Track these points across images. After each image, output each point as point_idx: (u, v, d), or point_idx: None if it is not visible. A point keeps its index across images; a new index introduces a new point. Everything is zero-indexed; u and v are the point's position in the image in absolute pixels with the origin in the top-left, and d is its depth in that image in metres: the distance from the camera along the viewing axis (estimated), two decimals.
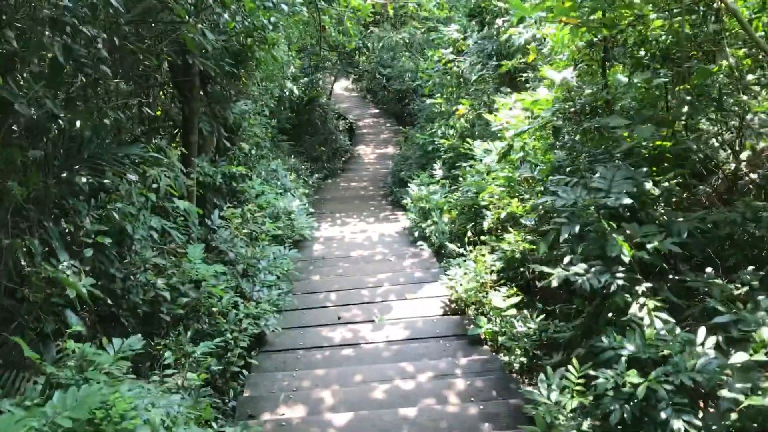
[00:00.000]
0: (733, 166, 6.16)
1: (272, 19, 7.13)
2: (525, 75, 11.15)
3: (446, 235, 10.14)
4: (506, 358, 6.36)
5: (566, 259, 4.94)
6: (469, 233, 8.78)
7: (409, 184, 12.35)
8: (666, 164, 6.08)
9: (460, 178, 10.26)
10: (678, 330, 4.49)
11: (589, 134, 6.48)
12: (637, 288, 4.72)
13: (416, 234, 10.81)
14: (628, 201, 4.79)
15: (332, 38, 9.49)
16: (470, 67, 11.31)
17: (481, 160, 9.26)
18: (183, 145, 8.03)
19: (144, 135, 8.60)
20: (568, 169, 6.26)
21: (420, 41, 18.58)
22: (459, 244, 10.10)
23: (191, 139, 7.95)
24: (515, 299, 6.77)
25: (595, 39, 6.73)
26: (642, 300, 4.68)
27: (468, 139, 9.84)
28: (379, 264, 9.78)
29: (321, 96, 20.30)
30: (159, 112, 9.14)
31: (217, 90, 8.48)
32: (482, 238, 8.39)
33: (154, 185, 6.60)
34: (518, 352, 6.23)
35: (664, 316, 4.61)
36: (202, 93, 8.71)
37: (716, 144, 6.39)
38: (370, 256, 10.23)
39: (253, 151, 9.59)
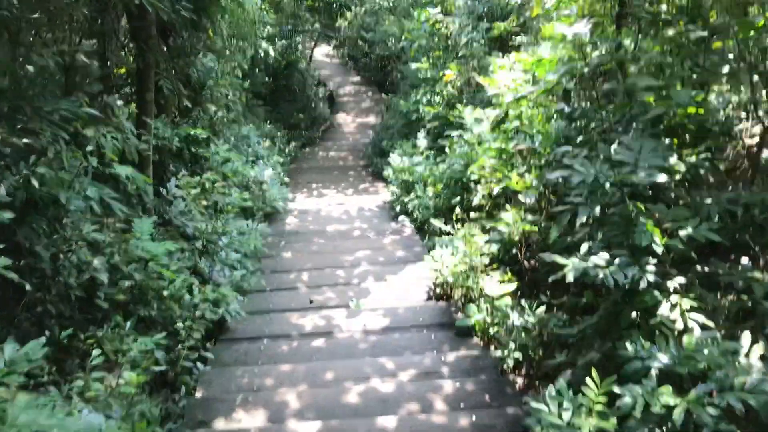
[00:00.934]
0: (755, 139, 5.27)
1: None
2: (518, 39, 10.17)
3: (430, 211, 9.22)
4: (499, 353, 5.46)
5: (584, 247, 4.01)
6: (457, 209, 7.83)
7: (390, 155, 11.36)
8: (687, 136, 5.18)
9: (447, 149, 9.30)
10: (718, 336, 3.62)
11: (603, 99, 5.53)
12: (668, 284, 3.82)
13: (398, 208, 9.87)
14: (662, 178, 3.87)
15: None
16: (460, 28, 10.27)
17: (470, 130, 8.29)
18: (137, 104, 6.97)
19: (102, 92, 7.54)
20: (578, 140, 5.32)
21: (405, 4, 17.44)
22: (444, 221, 9.20)
23: (147, 96, 6.87)
24: (510, 286, 5.86)
25: None
26: (674, 299, 3.79)
27: (458, 106, 8.84)
28: (358, 241, 8.83)
29: (300, 61, 19.11)
30: (123, 69, 8.06)
31: (178, 43, 7.38)
32: (472, 215, 7.46)
33: (102, 149, 5.61)
34: (512, 346, 5.33)
35: (701, 318, 3.73)
36: (164, 47, 7.63)
37: (743, 114, 5.51)
38: (348, 232, 9.28)
39: (220, 113, 8.51)
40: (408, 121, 12.80)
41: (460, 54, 10.43)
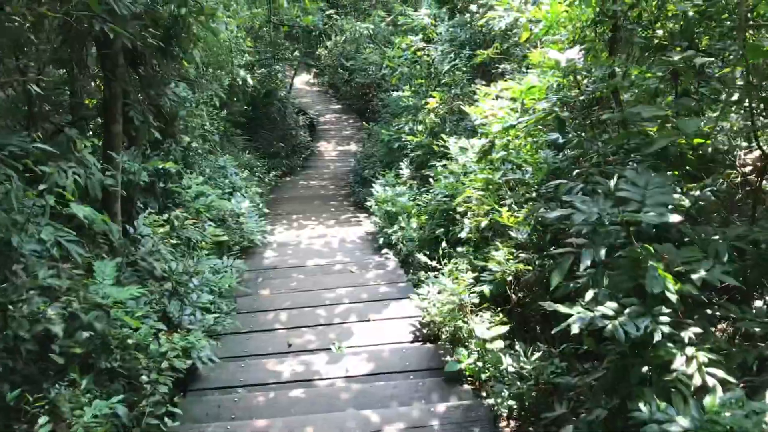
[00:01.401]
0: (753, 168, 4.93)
1: None
2: (501, 67, 9.87)
3: (415, 243, 8.80)
4: (491, 401, 5.01)
5: (588, 294, 3.60)
6: (443, 243, 7.41)
7: (373, 184, 10.96)
8: (688, 167, 4.84)
9: (431, 179, 8.91)
10: (741, 394, 3.21)
11: (597, 128, 5.17)
12: (682, 334, 3.41)
13: (381, 240, 9.44)
14: (676, 218, 3.48)
15: (284, 10, 8.02)
16: (442, 55, 9.96)
17: (456, 160, 7.92)
18: (104, 136, 6.52)
19: (71, 124, 7.09)
20: (575, 173, 4.94)
21: (385, 33, 17.18)
22: (429, 254, 8.79)
23: (113, 128, 6.42)
24: (503, 328, 5.44)
25: (598, 14, 5.43)
26: (690, 351, 3.38)
27: (443, 135, 8.48)
28: (339, 276, 8.37)
29: (280, 89, 18.74)
30: (93, 100, 7.64)
31: (149, 72, 6.95)
32: (458, 249, 7.04)
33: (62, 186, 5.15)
34: (506, 394, 4.89)
35: (720, 373, 3.32)
36: (135, 76, 7.19)
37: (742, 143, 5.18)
38: (329, 266, 8.82)
39: (194, 144, 8.07)
40: (390, 150, 12.45)
41: (442, 82, 10.11)
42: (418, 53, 10.04)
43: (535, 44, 7.51)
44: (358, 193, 13.36)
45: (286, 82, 21.88)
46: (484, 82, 10.09)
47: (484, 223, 6.60)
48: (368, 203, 10.72)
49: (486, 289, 5.59)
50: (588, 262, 3.56)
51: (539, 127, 6.15)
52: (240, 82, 12.87)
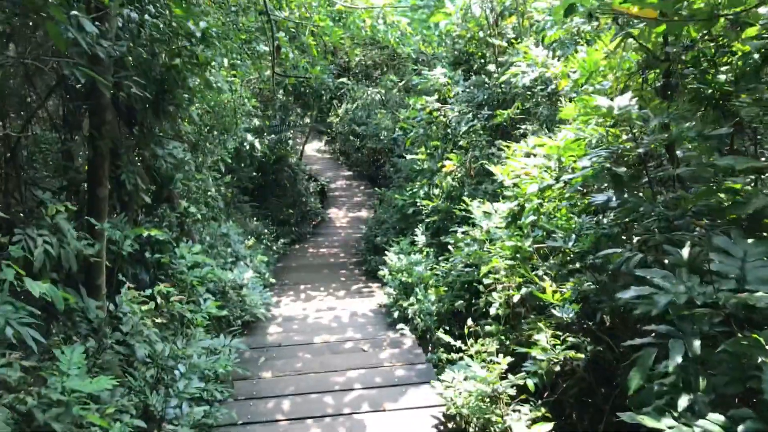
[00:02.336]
0: None
1: (202, 24, 4.99)
2: (523, 127, 9.17)
3: (433, 317, 7.87)
4: None
5: (682, 402, 2.67)
6: (469, 321, 6.48)
7: (386, 252, 10.09)
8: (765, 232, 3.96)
9: (451, 247, 8.05)
10: None
11: (656, 187, 4.32)
12: None
13: (395, 314, 8.50)
14: None
15: (290, 62, 7.39)
16: (459, 116, 9.26)
17: (479, 225, 7.08)
18: (88, 201, 5.75)
19: (63, 189, 6.36)
20: (635, 239, 4.07)
21: (396, 98, 16.69)
22: (449, 327, 7.86)
23: (99, 192, 5.66)
24: (545, 427, 4.46)
25: (647, 58, 4.68)
26: None
27: (464, 199, 7.66)
28: (350, 356, 7.41)
29: (290, 155, 18.18)
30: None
31: (143, 131, 6.24)
32: (487, 327, 6.12)
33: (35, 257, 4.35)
34: None
35: None
36: (129, 136, 6.49)
37: None
38: (339, 344, 7.86)
39: (193, 209, 7.28)
40: (404, 216, 11.64)
41: (459, 144, 9.38)
42: (434, 114, 9.35)
43: (569, 98, 6.80)
44: (369, 261, 12.49)
45: (297, 149, 21.41)
46: (505, 144, 9.37)
47: (516, 297, 5.71)
48: (381, 272, 9.84)
49: (530, 382, 4.62)
50: (679, 359, 2.65)
51: (578, 188, 5.33)
52: (247, 147, 12.26)
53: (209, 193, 9.88)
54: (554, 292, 4.66)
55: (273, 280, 11.25)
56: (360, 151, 23.19)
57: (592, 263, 4.71)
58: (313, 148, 26.82)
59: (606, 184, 4.41)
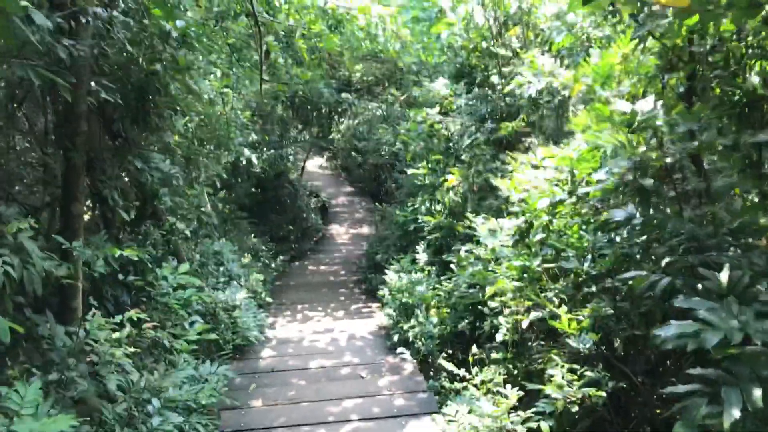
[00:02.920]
0: None
1: (179, 23, 4.53)
2: (528, 140, 8.71)
3: (435, 341, 7.36)
4: None
5: None
6: (474, 348, 5.95)
7: (386, 271, 9.58)
8: None
9: (453, 266, 7.54)
10: None
11: (683, 202, 3.82)
12: None
13: (395, 337, 7.98)
14: None
15: (281, 67, 6.92)
16: (462, 129, 8.79)
17: (484, 244, 6.57)
18: (61, 218, 5.27)
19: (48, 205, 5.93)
20: (664, 261, 3.56)
21: (398, 113, 16.26)
22: (452, 351, 7.35)
23: (74, 209, 5.18)
24: None
25: (670, 60, 4.20)
26: None
27: (467, 215, 7.16)
28: (347, 383, 6.88)
29: (291, 171, 17.74)
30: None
31: (122, 142, 5.78)
32: (493, 354, 5.60)
33: None
34: None
35: None
36: (111, 143, 6.03)
37: None
38: (335, 369, 7.33)
39: (181, 226, 6.79)
40: (405, 233, 11.14)
41: (462, 157, 8.90)
42: (436, 126, 8.88)
43: (580, 107, 6.32)
44: (370, 279, 11.96)
45: (298, 165, 20.99)
46: (509, 158, 8.89)
47: (525, 322, 5.19)
48: (381, 292, 9.32)
49: (545, 426, 4.08)
50: (736, 413, 2.14)
51: (593, 203, 4.83)
52: (244, 162, 11.80)
53: (202, 209, 9.41)
54: (570, 320, 4.13)
55: (270, 300, 10.75)
56: (362, 167, 22.78)
57: (610, 287, 4.20)
58: (315, 164, 26.41)
59: (624, 198, 3.91)
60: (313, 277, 13.72)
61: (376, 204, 16.78)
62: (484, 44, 9.35)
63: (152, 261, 5.97)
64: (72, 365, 4.12)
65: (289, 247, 15.74)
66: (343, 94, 13.88)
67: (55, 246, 4.95)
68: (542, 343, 5.53)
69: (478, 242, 6.99)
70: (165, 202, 6.75)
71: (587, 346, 3.99)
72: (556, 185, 4.81)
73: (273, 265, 13.47)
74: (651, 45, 4.60)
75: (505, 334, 5.44)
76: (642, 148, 3.65)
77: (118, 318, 4.54)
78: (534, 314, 5.22)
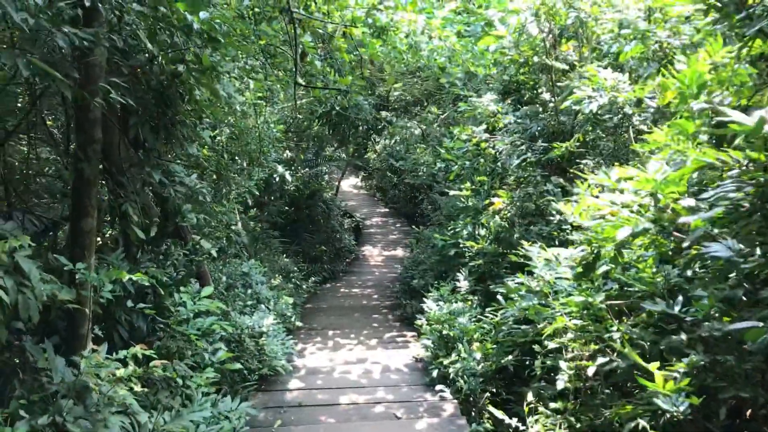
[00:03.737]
0: None
1: (203, 15, 3.95)
2: (584, 162, 7.96)
3: (478, 379, 6.62)
4: None
5: None
6: (529, 396, 5.19)
7: (424, 299, 8.85)
8: None
9: (501, 296, 6.79)
10: None
11: None
12: None
13: (434, 372, 7.23)
14: None
15: (317, 70, 6.33)
16: (511, 148, 8.07)
17: (537, 275, 5.82)
18: (70, 235, 4.70)
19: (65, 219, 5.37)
20: None
21: (437, 133, 15.62)
22: (494, 390, 6.62)
23: (84, 224, 4.60)
24: None
25: None
26: None
27: (522, 242, 6.41)
28: (380, 424, 6.16)
29: (325, 190, 17.19)
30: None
31: (149, 154, 5.20)
32: (552, 404, 4.84)
33: None
34: None
35: None
36: (132, 153, 5.46)
37: None
38: (368, 407, 6.62)
39: (206, 245, 6.18)
40: (443, 258, 10.41)
41: (512, 179, 8.18)
42: (482, 145, 8.18)
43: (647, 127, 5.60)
44: (405, 306, 11.24)
45: (333, 184, 20.47)
46: (561, 180, 8.15)
47: (591, 369, 4.43)
48: (418, 322, 8.60)
49: None
50: None
51: (678, 235, 4.07)
52: (277, 179, 11.25)
53: (232, 227, 8.85)
54: (665, 377, 3.36)
55: (299, 324, 10.12)
56: (397, 187, 22.19)
57: (707, 336, 3.43)
58: (350, 183, 25.93)
59: (744, 229, 3.16)
60: (346, 301, 13.05)
61: (413, 226, 16.08)
62: (536, 59, 8.66)
63: (172, 284, 5.37)
64: (66, 408, 3.49)
65: (322, 268, 15.15)
66: (383, 113, 13.27)
67: (62, 266, 4.39)
68: (607, 391, 4.76)
69: (529, 273, 6.24)
70: (189, 220, 6.16)
71: (681, 409, 3.23)
72: (639, 212, 4.06)
73: (304, 287, 12.86)
74: (754, 50, 3.88)
75: (567, 382, 4.68)
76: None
77: (122, 353, 3.89)
78: (601, 360, 4.47)
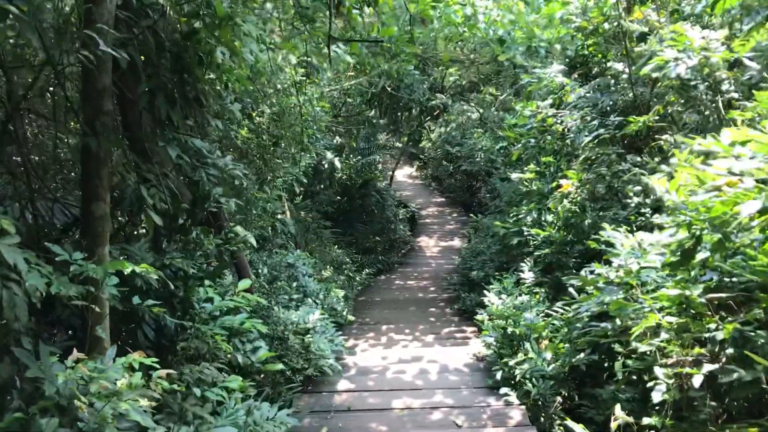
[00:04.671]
0: None
1: None
2: (664, 138, 7.00)
3: (549, 382, 5.78)
4: None
5: None
6: (617, 409, 4.31)
7: (485, 292, 8.02)
8: None
9: (572, 289, 5.91)
10: None
11: None
12: None
13: (498, 374, 6.40)
14: None
15: (356, 21, 5.56)
16: (583, 124, 7.14)
17: (620, 264, 4.93)
18: (83, 220, 4.10)
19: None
20: None
21: (495, 118, 14.68)
22: (565, 393, 5.79)
23: (95, 209, 3.99)
24: None
25: None
26: None
27: (604, 225, 5.51)
28: None
29: (378, 180, 16.48)
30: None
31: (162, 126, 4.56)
32: (647, 419, 3.98)
33: None
34: None
35: None
36: (153, 127, 4.84)
37: None
38: (424, 413, 5.87)
39: (242, 232, 5.52)
40: (505, 247, 9.54)
41: (581, 158, 7.24)
42: (548, 121, 7.26)
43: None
44: (464, 299, 10.42)
45: (387, 174, 19.75)
46: (639, 159, 7.17)
47: (697, 379, 3.55)
48: (479, 316, 7.78)
49: None
50: None
51: None
52: (326, 166, 10.59)
53: (278, 216, 8.22)
54: None
55: (351, 318, 9.45)
56: (453, 176, 21.32)
57: None
58: (404, 173, 25.16)
59: None
60: (401, 294, 12.32)
61: (470, 215, 15.18)
62: (606, 25, 7.69)
63: (202, 276, 4.73)
64: (49, 428, 2.85)
65: (376, 260, 14.47)
66: (438, 95, 12.44)
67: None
68: (713, 403, 3.87)
69: (606, 262, 5.35)
70: (227, 206, 5.51)
71: None
72: (759, 183, 3.17)
73: (358, 279, 12.20)
74: None
75: (666, 394, 3.80)
76: None
77: (119, 362, 3.24)
78: (709, 367, 3.59)
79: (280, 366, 5.73)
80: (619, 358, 5.03)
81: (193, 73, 3.95)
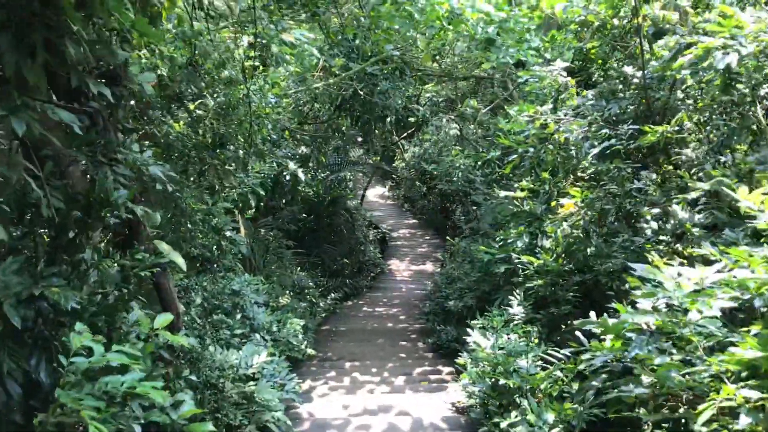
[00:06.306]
0: None
1: None
2: (684, 152, 5.84)
3: None
4: None
5: None
6: None
7: (468, 330, 6.64)
8: None
9: (581, 336, 4.57)
10: None
11: None
12: None
13: None
14: None
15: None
16: (590, 133, 5.87)
17: (670, 302, 3.61)
18: None
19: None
20: None
21: (476, 137, 13.46)
22: None
23: None
24: None
25: None
26: None
27: (652, 254, 4.18)
28: None
29: (348, 197, 15.10)
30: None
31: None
32: None
33: None
34: None
35: None
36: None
37: None
38: None
39: (164, 249, 4.08)
40: (487, 275, 8.21)
41: (588, 172, 5.96)
42: (550, 127, 5.97)
43: None
44: (438, 332, 9.03)
45: (358, 193, 18.39)
46: (654, 177, 5.92)
47: None
48: (460, 359, 6.41)
49: None
50: None
51: None
52: (288, 178, 9.18)
53: (226, 233, 6.78)
54: None
55: (312, 351, 7.97)
56: (426, 197, 20.08)
57: None
58: (376, 193, 23.88)
59: None
60: (368, 322, 10.89)
61: (447, 238, 13.84)
62: (615, 21, 6.50)
63: (96, 312, 3.28)
64: None
65: (343, 283, 13.04)
66: (416, 106, 11.15)
67: None
68: None
69: (631, 304, 4.02)
70: (144, 217, 4.05)
71: None
72: None
73: (321, 305, 10.74)
74: None
75: None
76: None
77: None
78: None
79: (210, 427, 4.25)
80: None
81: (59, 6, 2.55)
